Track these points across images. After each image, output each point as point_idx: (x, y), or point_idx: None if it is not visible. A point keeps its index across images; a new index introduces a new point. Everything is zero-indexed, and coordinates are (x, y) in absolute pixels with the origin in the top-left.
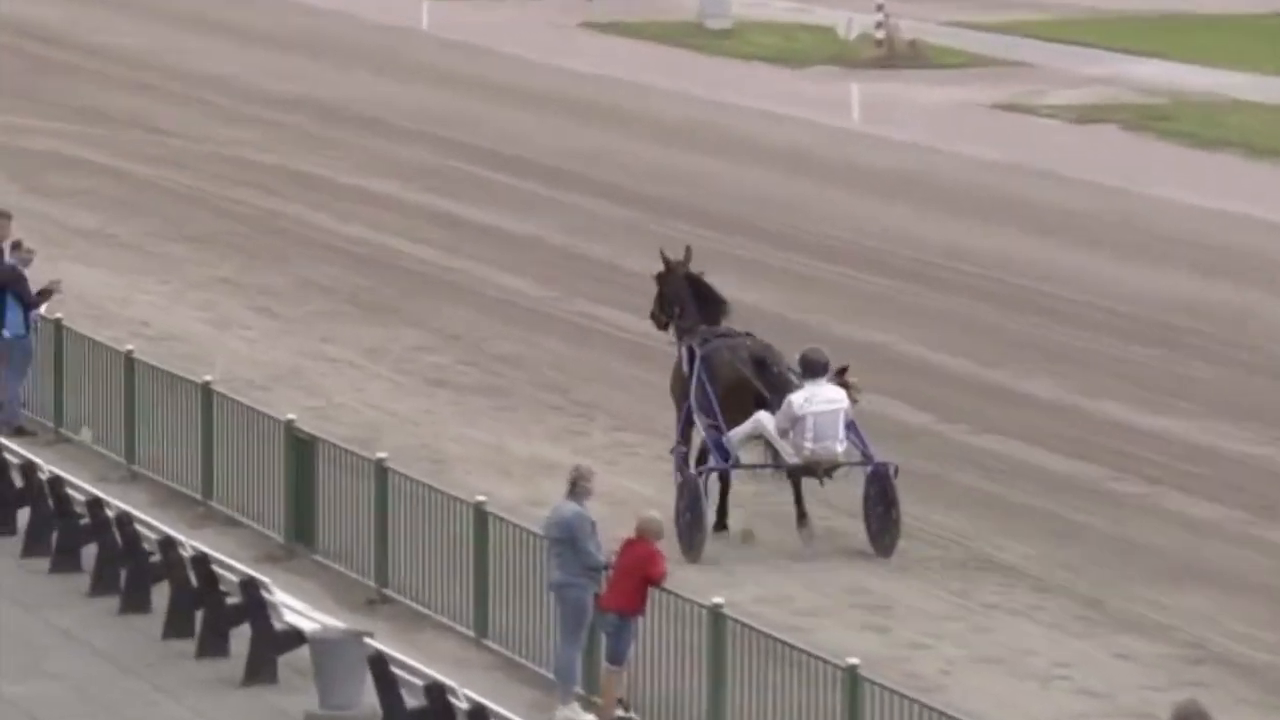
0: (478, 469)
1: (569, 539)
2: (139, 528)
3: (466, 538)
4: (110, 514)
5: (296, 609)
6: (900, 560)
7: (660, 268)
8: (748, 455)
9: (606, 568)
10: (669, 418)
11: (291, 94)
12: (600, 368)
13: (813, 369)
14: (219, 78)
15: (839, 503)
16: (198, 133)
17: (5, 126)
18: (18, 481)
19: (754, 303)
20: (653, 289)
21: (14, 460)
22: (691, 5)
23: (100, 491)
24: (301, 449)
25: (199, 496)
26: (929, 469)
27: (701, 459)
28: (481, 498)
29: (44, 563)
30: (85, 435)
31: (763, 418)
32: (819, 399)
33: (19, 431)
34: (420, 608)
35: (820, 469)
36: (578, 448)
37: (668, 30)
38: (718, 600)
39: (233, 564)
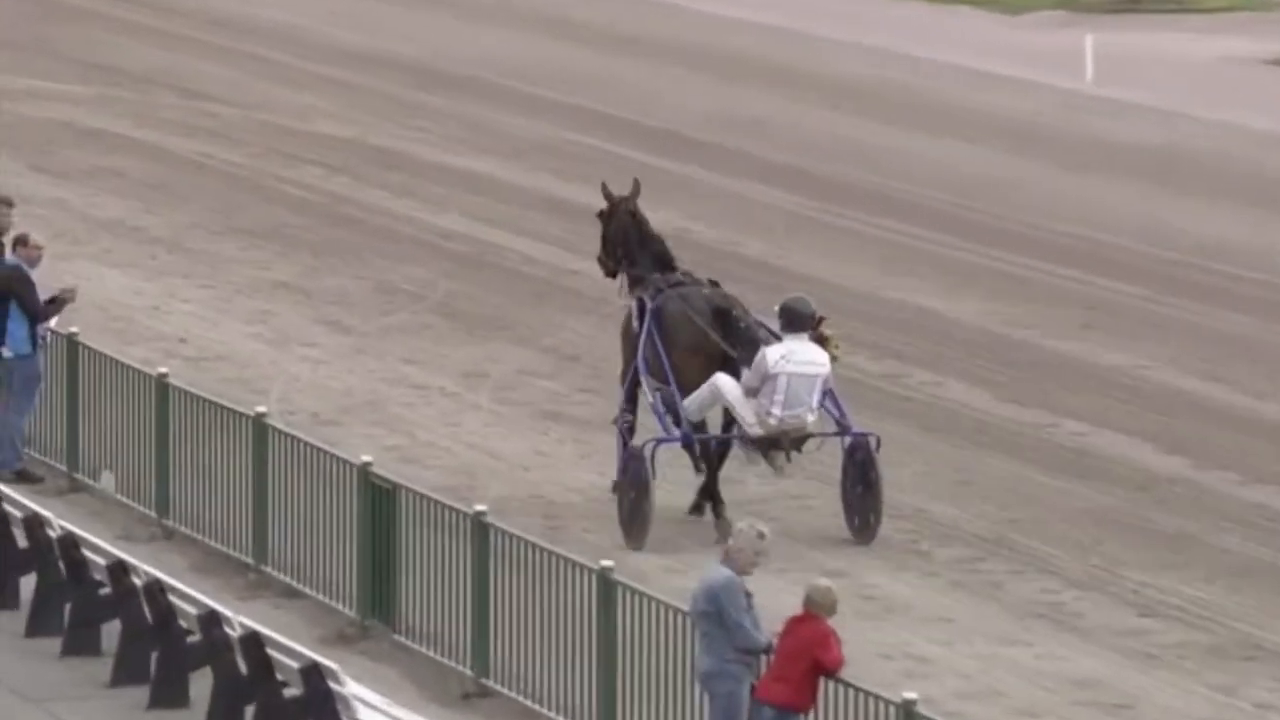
0: (602, 525)
1: (716, 612)
2: (174, 599)
3: (588, 613)
4: (137, 582)
5: (373, 703)
6: (1141, 643)
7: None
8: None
9: (767, 651)
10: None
11: (368, 48)
12: None
13: (795, 321)
14: (275, 27)
15: (1060, 570)
16: (248, 97)
17: (6, 89)
18: (21, 540)
19: (953, 312)
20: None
21: (16, 513)
22: None
23: (125, 553)
24: (380, 499)
25: (250, 560)
26: (1180, 526)
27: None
28: (607, 563)
29: (54, 644)
30: (106, 482)
31: (721, 381)
32: (797, 358)
33: (22, 476)
34: (529, 702)
35: (787, 440)
36: (731, 499)
37: None
38: (910, 695)
39: (292, 646)
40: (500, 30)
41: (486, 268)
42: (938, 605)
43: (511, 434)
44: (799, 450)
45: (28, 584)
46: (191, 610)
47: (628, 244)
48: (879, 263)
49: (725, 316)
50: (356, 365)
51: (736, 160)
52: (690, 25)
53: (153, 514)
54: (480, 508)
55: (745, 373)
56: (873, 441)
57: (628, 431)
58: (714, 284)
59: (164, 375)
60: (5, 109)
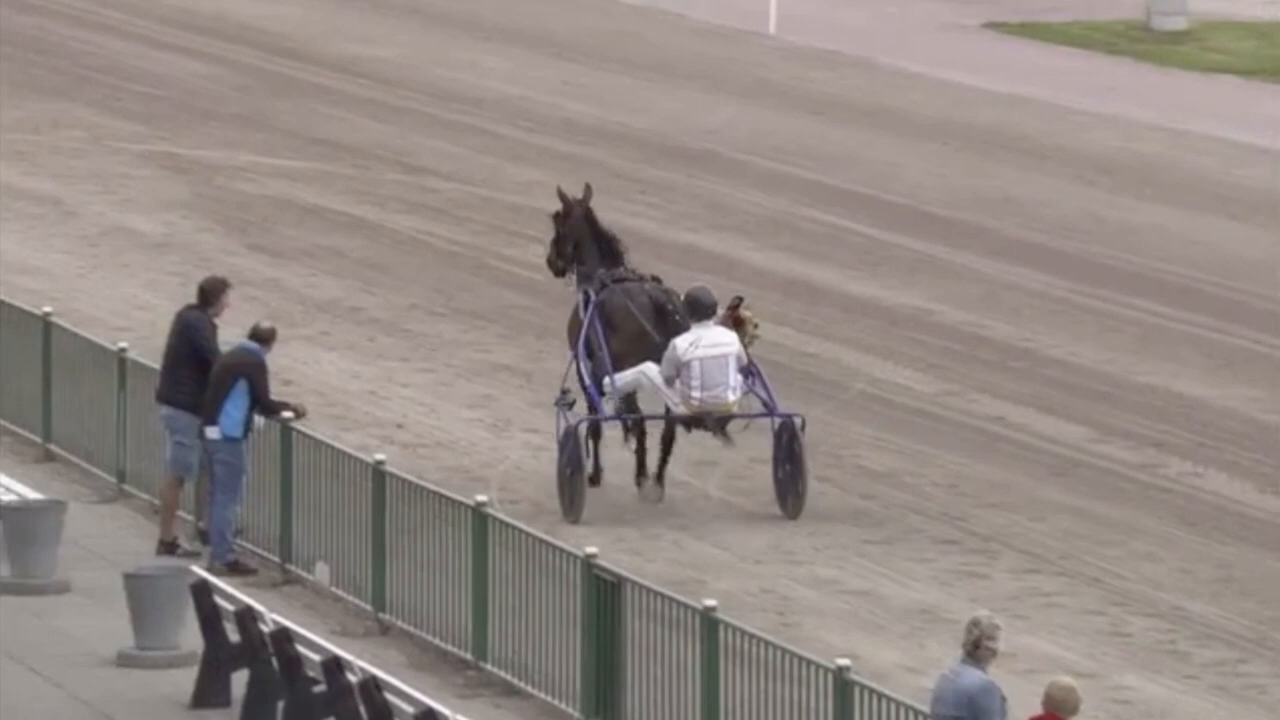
0: (839, 622)
1: (970, 718)
2: (390, 698)
3: (825, 715)
4: (353, 679)
5: None
6: None
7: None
8: (645, 405)
9: None
10: (1100, 555)
11: (594, 120)
12: (1008, 487)
13: (698, 309)
14: (501, 99)
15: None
16: (472, 172)
17: (221, 164)
18: (233, 635)
19: (1214, 398)
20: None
21: (228, 606)
22: (1134, 0)
23: (340, 649)
24: (604, 593)
25: (469, 656)
26: None
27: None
28: (844, 661)
29: None
30: (321, 574)
31: (649, 369)
32: (705, 342)
33: (234, 568)
34: None
35: (711, 420)
36: (976, 594)
37: (1102, 33)
38: None
39: None
40: (737, 102)
41: None
42: (1197, 710)
43: (742, 526)
44: (723, 429)
45: (240, 680)
46: (408, 709)
47: (580, 241)
48: (1135, 346)
49: (663, 311)
50: None
51: (982, 238)
52: (933, 97)
53: (369, 607)
54: (710, 602)
55: (663, 359)
56: (798, 421)
57: (567, 412)
58: (655, 280)
59: (381, 462)
60: (222, 185)
